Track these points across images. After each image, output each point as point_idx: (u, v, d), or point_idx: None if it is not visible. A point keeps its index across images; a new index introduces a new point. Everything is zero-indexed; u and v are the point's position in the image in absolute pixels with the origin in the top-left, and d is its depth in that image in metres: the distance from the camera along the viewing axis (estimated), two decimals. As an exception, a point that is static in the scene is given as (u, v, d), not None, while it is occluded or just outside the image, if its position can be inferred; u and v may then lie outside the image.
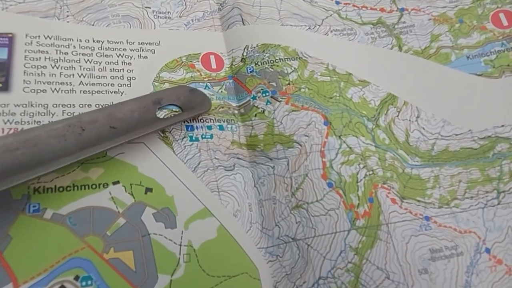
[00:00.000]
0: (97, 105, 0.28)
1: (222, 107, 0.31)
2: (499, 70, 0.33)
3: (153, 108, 0.28)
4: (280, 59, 0.33)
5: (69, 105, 0.27)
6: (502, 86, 0.33)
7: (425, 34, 0.35)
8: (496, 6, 0.35)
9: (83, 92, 0.28)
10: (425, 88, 0.33)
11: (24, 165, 0.22)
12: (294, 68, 0.32)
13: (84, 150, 0.24)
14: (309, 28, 0.35)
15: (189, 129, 0.29)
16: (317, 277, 0.26)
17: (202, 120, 0.30)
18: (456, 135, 0.32)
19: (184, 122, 0.29)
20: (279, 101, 0.31)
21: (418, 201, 0.29)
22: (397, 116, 0.32)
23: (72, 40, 0.30)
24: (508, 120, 0.32)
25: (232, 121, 0.31)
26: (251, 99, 0.31)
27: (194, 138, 0.29)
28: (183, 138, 0.29)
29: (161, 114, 0.29)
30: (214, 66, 0.33)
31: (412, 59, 0.34)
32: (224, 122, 0.31)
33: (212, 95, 0.31)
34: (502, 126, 0.32)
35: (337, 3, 0.36)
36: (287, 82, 0.32)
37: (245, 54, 0.33)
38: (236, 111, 0.31)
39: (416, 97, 0.33)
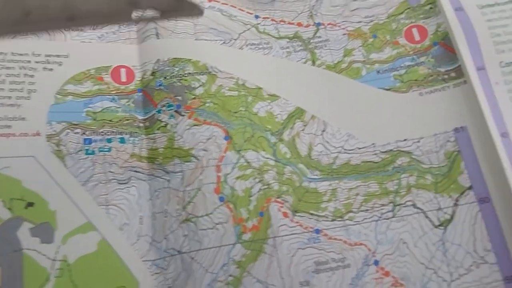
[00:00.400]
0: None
1: (127, 120, 0.32)
2: (407, 85, 0.33)
3: (128, 10, 0.23)
4: (189, 73, 0.33)
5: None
6: (408, 101, 0.33)
7: (338, 48, 0.35)
8: (410, 21, 0.35)
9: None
10: (333, 102, 0.33)
11: None
12: (202, 82, 0.33)
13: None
14: (224, 42, 0.35)
15: (86, 142, 0.30)
16: (196, 290, 0.26)
17: (102, 133, 0.30)
18: (359, 148, 0.32)
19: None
20: (182, 115, 0.31)
21: (311, 214, 0.30)
22: (303, 130, 0.32)
23: (-28, 52, 0.30)
24: (411, 135, 0.32)
25: (136, 133, 0.31)
26: (156, 113, 0.32)
27: (90, 152, 0.29)
28: (78, 151, 0.29)
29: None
30: (123, 79, 0.33)
31: (324, 74, 0.34)
32: (126, 134, 0.31)
33: (118, 107, 0.31)
34: (405, 140, 0.32)
35: (256, 17, 0.36)
36: (192, 97, 0.32)
37: (155, 67, 0.33)
38: (141, 124, 0.32)
39: (324, 111, 0.33)
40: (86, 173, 0.29)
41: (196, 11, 0.25)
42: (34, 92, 0.30)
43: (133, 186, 0.29)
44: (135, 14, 0.23)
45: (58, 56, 0.32)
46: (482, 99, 0.30)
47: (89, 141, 0.30)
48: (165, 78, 0.33)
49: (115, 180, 0.29)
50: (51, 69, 0.31)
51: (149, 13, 0.24)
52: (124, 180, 0.29)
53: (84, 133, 0.30)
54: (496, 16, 0.32)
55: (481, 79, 0.31)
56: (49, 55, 0.32)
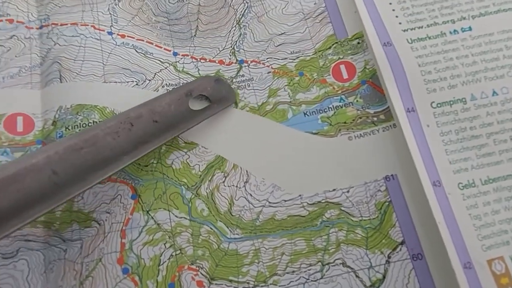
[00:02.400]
0: None
1: (22, 178, 0.26)
2: (335, 128, 0.30)
3: (185, 100, 0.29)
4: (94, 122, 0.29)
5: None
6: (336, 146, 0.29)
7: (263, 88, 0.31)
8: (338, 57, 0.32)
9: None
10: (257, 149, 0.30)
11: (89, 165, 0.24)
12: (109, 132, 0.28)
13: (136, 149, 0.26)
14: (137, 84, 0.31)
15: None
16: None
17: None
18: (285, 201, 0.28)
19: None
20: (84, 172, 0.26)
21: (230, 281, 0.26)
22: (223, 182, 0.28)
23: None
24: (340, 184, 0.28)
25: (30, 195, 0.26)
26: (55, 169, 0.27)
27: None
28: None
29: (193, 106, 0.30)
30: (20, 129, 0.28)
31: (247, 117, 0.31)
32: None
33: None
34: (334, 190, 0.28)
35: (175, 54, 0.32)
36: (96, 149, 0.27)
37: (57, 116, 0.28)
38: (38, 182, 0.27)
39: (247, 160, 0.29)
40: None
41: (231, 94, 0.31)
42: None
43: (21, 259, 0.24)
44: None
45: None
46: (412, 144, 0.27)
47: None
48: (66, 128, 0.28)
49: (-1, 255, 0.24)
50: None
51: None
52: (10, 253, 0.25)
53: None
54: (427, 51, 0.29)
55: (411, 122, 0.28)
56: None
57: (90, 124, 0.29)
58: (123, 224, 0.26)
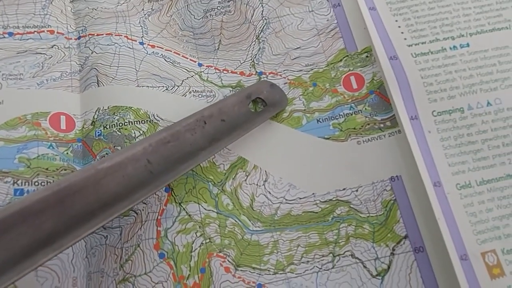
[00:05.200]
0: None
1: (65, 170, 0.29)
2: (345, 134, 0.32)
3: (246, 102, 0.31)
4: (129, 122, 0.31)
5: None
6: (346, 149, 0.32)
7: (280, 97, 0.34)
8: (348, 69, 0.34)
9: None
10: (275, 152, 0.32)
11: (175, 157, 0.26)
12: (143, 131, 0.31)
13: (210, 145, 0.28)
14: (167, 89, 0.33)
15: (17, 194, 0.27)
16: None
17: (36, 183, 0.28)
18: (300, 198, 0.31)
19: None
20: (122, 167, 0.29)
21: (253, 268, 0.28)
22: (245, 180, 0.31)
23: None
24: (349, 183, 0.31)
25: (73, 186, 0.28)
26: (95, 164, 0.29)
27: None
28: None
29: (252, 108, 0.32)
30: (63, 126, 0.31)
31: (266, 123, 0.33)
32: (63, 188, 0.28)
33: (56, 155, 0.29)
34: (344, 189, 0.31)
35: (200, 65, 0.35)
36: (133, 147, 0.30)
37: (95, 117, 0.31)
38: (79, 176, 0.29)
39: (266, 161, 0.32)
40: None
41: (284, 98, 0.33)
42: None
43: (67, 243, 0.27)
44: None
45: (-10, 104, 0.29)
46: (415, 148, 0.30)
47: (21, 192, 0.27)
48: (104, 127, 0.31)
49: (47, 239, 0.26)
50: (-19, 118, 0.28)
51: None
52: (57, 238, 0.27)
53: (15, 183, 0.27)
54: (429, 65, 0.32)
55: (414, 128, 0.31)
56: (-20, 105, 0.29)
57: (126, 124, 0.31)
58: (158, 214, 0.29)
